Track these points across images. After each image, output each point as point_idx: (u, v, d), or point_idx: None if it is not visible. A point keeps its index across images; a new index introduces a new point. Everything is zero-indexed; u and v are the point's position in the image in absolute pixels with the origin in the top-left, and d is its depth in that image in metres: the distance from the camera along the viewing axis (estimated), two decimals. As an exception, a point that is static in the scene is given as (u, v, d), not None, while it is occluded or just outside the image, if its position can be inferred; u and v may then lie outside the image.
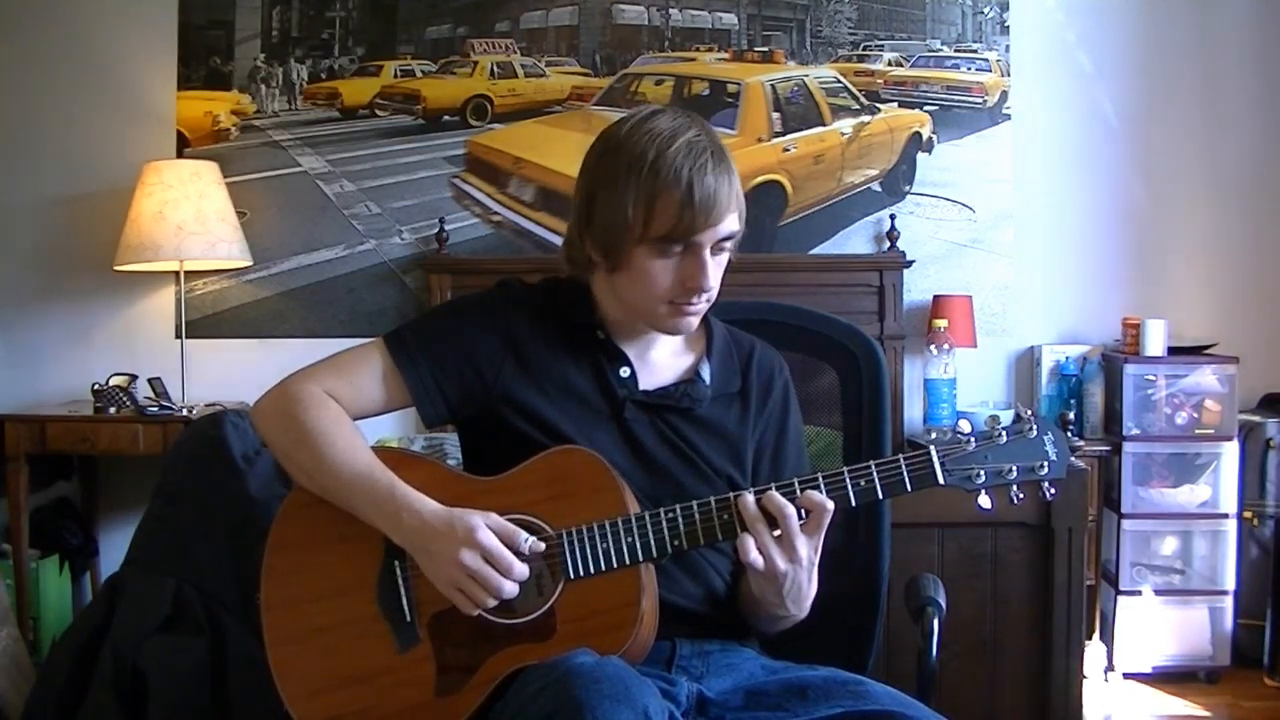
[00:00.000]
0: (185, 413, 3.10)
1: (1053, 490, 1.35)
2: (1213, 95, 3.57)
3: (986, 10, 3.61)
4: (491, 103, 3.59)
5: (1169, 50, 3.57)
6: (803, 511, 1.29)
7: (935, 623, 1.55)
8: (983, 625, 2.65)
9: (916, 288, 3.51)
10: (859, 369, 1.67)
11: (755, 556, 1.28)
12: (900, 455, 1.32)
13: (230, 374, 3.40)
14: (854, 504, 1.31)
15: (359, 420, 1.44)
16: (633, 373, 1.45)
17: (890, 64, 3.61)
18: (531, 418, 1.40)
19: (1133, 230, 3.59)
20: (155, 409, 3.11)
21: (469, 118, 3.58)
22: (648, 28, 3.60)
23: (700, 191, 1.33)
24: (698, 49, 3.59)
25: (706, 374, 1.48)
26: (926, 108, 3.60)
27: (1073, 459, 1.37)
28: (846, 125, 3.57)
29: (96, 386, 3.12)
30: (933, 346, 3.26)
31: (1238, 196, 3.58)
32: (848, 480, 1.31)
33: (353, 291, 3.52)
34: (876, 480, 1.31)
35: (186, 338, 3.31)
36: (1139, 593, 3.20)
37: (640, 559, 1.30)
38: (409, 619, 1.34)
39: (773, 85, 3.55)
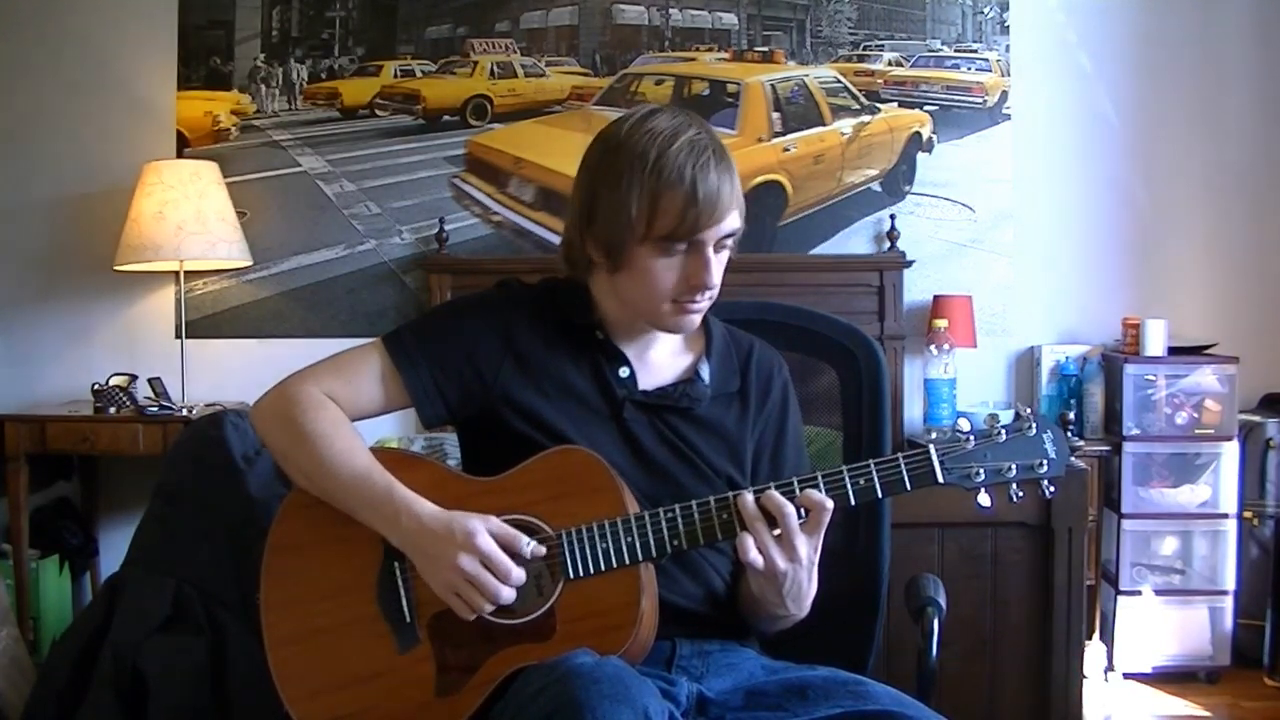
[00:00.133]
0: (185, 413, 3.10)
1: (1052, 489, 1.35)
2: (1213, 95, 3.57)
3: (986, 10, 3.61)
4: (491, 103, 3.59)
5: (1169, 50, 3.57)
6: (802, 510, 1.29)
7: (935, 623, 1.55)
8: (983, 625, 2.65)
9: (916, 288, 3.51)
10: (859, 369, 1.67)
11: (755, 556, 1.28)
12: (899, 454, 1.32)
13: (230, 374, 3.40)
14: (853, 503, 1.31)
15: (358, 421, 1.44)
16: (632, 373, 1.45)
17: (890, 64, 3.61)
18: (531, 418, 1.40)
19: (1133, 230, 3.59)
20: (155, 409, 3.11)
21: (469, 118, 3.58)
22: (648, 28, 3.60)
23: (704, 190, 1.34)
24: (698, 49, 3.59)
25: (705, 374, 1.48)
26: (926, 108, 3.60)
27: (1073, 459, 1.36)
28: (846, 125, 3.57)
29: (96, 386, 3.12)
30: (933, 346, 3.26)
31: (1238, 196, 3.58)
32: (847, 479, 1.31)
33: (353, 291, 3.52)
34: (876, 479, 1.31)
35: (186, 338, 3.31)
36: (1139, 593, 3.20)
37: (640, 559, 1.30)
38: (409, 619, 1.34)
39: (773, 85, 3.55)
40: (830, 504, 1.29)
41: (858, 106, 3.58)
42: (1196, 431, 3.24)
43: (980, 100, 3.60)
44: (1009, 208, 3.58)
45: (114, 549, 3.31)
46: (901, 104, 3.60)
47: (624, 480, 1.35)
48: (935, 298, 3.44)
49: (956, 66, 3.61)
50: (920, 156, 3.59)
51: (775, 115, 3.53)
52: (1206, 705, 3.02)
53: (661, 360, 1.49)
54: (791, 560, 1.29)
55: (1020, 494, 1.34)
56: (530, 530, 1.32)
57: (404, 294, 3.52)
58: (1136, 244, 3.58)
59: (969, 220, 3.58)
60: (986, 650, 2.66)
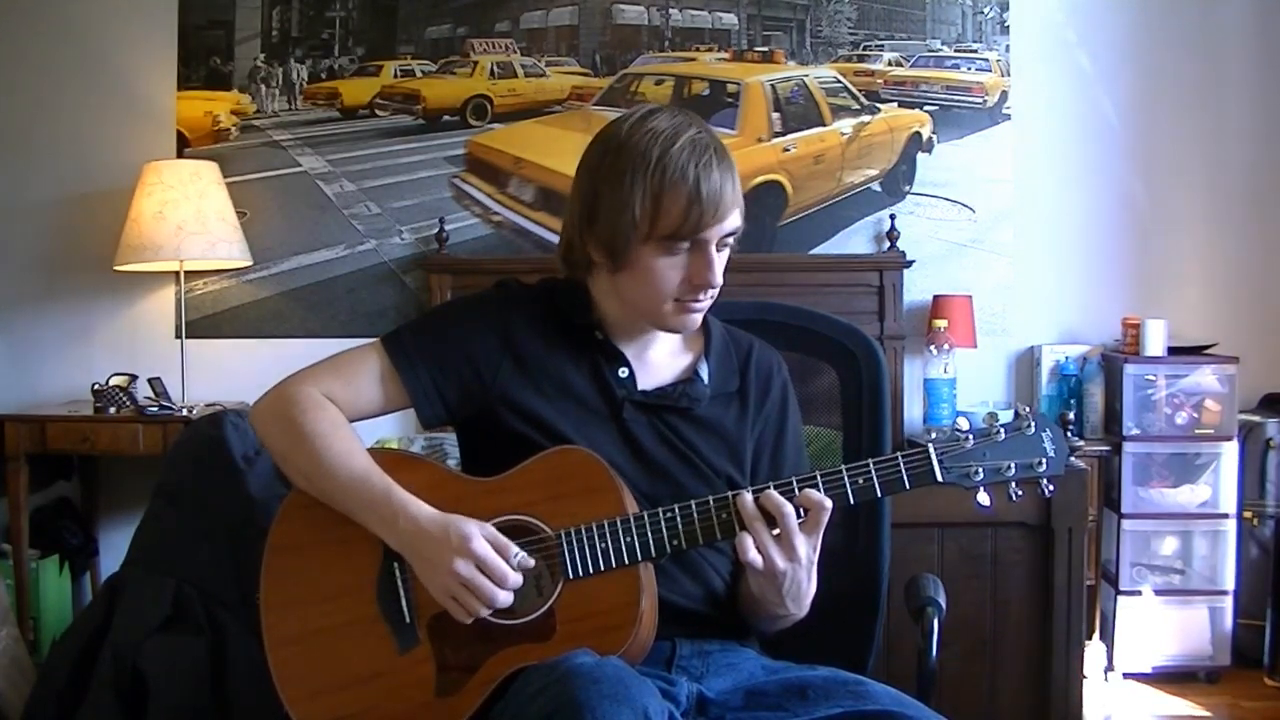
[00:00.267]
0: (185, 413, 3.10)
1: (1051, 487, 1.35)
2: (1213, 95, 3.57)
3: (986, 10, 3.61)
4: (491, 103, 3.59)
5: (1169, 50, 3.57)
6: (801, 510, 1.29)
7: (935, 623, 1.55)
8: (983, 625, 2.65)
9: (916, 288, 3.51)
10: (859, 369, 1.67)
11: (754, 555, 1.28)
12: (898, 453, 1.32)
13: (230, 374, 3.40)
14: (852, 502, 1.31)
15: (358, 422, 1.44)
16: (631, 373, 1.45)
17: (890, 64, 3.61)
18: (530, 418, 1.40)
19: (1133, 230, 3.59)
20: (155, 409, 3.11)
21: (469, 118, 3.58)
22: (648, 28, 3.60)
23: (707, 188, 1.34)
24: (698, 49, 3.59)
25: (705, 373, 1.48)
26: (926, 108, 3.60)
27: (1073, 459, 1.36)
28: (846, 125, 3.57)
29: (96, 386, 3.12)
30: (933, 346, 3.25)
31: (1238, 196, 3.58)
32: (846, 479, 1.31)
33: (353, 291, 3.52)
34: (875, 478, 1.31)
35: (186, 338, 3.31)
36: (1139, 593, 3.19)
37: (639, 559, 1.30)
38: (408, 620, 1.34)
39: (773, 85, 3.55)
40: (829, 503, 1.29)
41: (858, 106, 3.58)
42: (1196, 431, 3.24)
43: (980, 100, 3.60)
44: (1009, 208, 3.58)
45: (114, 549, 3.31)
46: (901, 104, 3.60)
47: (623, 480, 1.35)
48: (935, 298, 3.44)
49: (956, 66, 3.61)
50: (920, 156, 3.58)
51: (775, 115, 3.53)
52: (1206, 705, 3.02)
53: (661, 360, 1.49)
54: (791, 560, 1.29)
55: (1019, 493, 1.34)
56: (530, 531, 1.32)
57: (404, 294, 3.52)
58: (1136, 244, 3.58)
59: (969, 220, 3.58)
60: (986, 650, 2.66)
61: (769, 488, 1.30)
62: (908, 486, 1.32)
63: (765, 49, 3.59)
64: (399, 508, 1.32)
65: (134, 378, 3.25)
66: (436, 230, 3.45)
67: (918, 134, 3.59)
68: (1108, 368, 3.37)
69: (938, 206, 3.58)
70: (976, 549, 2.64)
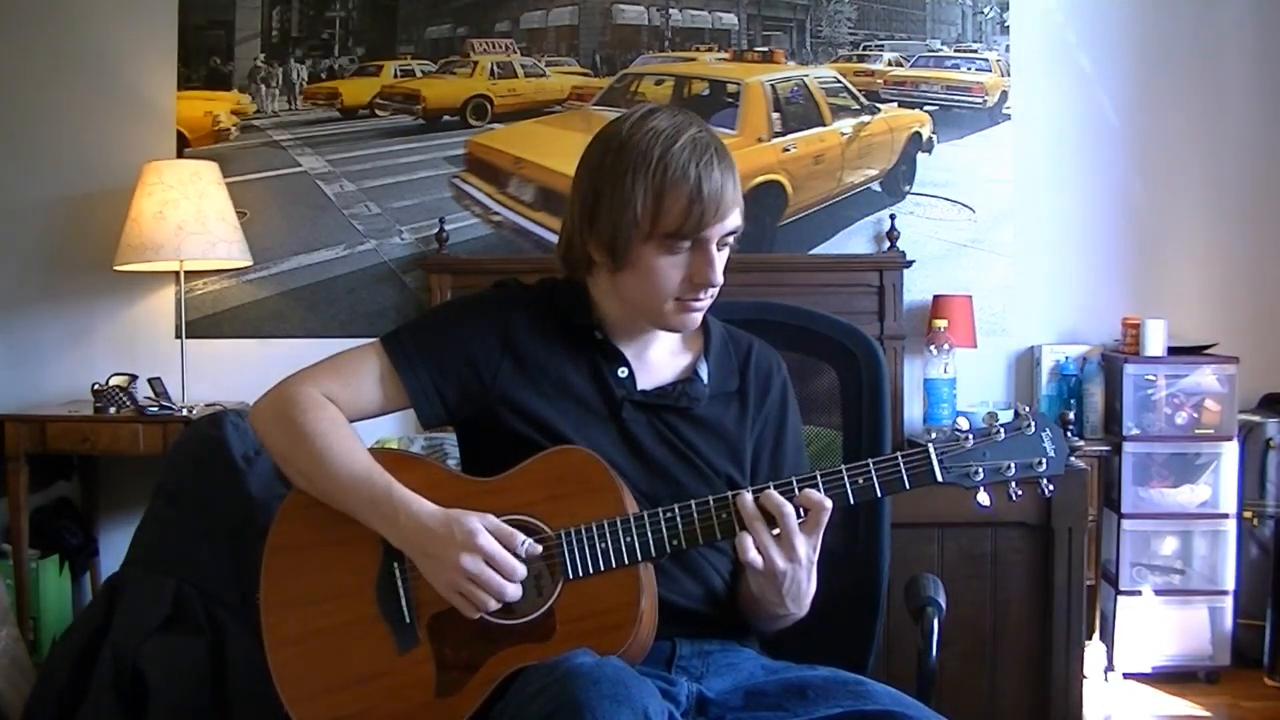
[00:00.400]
0: (185, 413, 3.10)
1: (1051, 487, 1.35)
2: (1213, 95, 3.57)
3: (986, 10, 3.61)
4: (491, 103, 3.59)
5: (1169, 50, 3.57)
6: (801, 510, 1.29)
7: (935, 623, 1.55)
8: (983, 625, 2.65)
9: (916, 288, 3.51)
10: (859, 369, 1.67)
11: (754, 555, 1.28)
12: (898, 453, 1.32)
13: (230, 374, 3.40)
14: (852, 502, 1.31)
15: (357, 422, 1.44)
16: (630, 373, 1.45)
17: (890, 64, 3.61)
18: (529, 418, 1.40)
19: (1133, 230, 3.59)
20: (155, 409, 3.11)
21: (469, 118, 3.58)
22: (648, 28, 3.60)
23: (708, 187, 1.34)
24: (698, 49, 3.59)
25: (704, 373, 1.48)
26: (926, 108, 3.60)
27: (1072, 459, 1.36)
28: (846, 125, 3.57)
29: (96, 386, 3.12)
30: (933, 346, 3.25)
31: (1238, 196, 3.58)
32: (846, 478, 1.31)
33: (353, 291, 3.52)
34: (875, 478, 1.31)
35: (186, 338, 3.31)
36: (1139, 593, 3.19)
37: (639, 559, 1.30)
38: (408, 620, 1.34)
39: (773, 85, 3.55)
40: (829, 503, 1.29)
41: (858, 106, 3.58)
42: (1196, 431, 3.24)
43: (980, 100, 3.60)
44: (1009, 208, 3.58)
45: (114, 549, 3.31)
46: (901, 104, 3.60)
47: (623, 480, 1.35)
48: (935, 298, 3.44)
49: (956, 66, 3.61)
50: (920, 156, 3.58)
51: (775, 115, 3.53)
52: (1206, 705, 3.02)
53: (660, 360, 1.49)
54: (791, 560, 1.29)
55: (1019, 492, 1.34)
56: (530, 530, 1.32)
57: (404, 294, 3.52)
58: (1136, 244, 3.58)
59: (969, 220, 3.58)
60: (986, 650, 2.66)
61: (769, 487, 1.30)
62: (908, 486, 1.32)
63: (765, 49, 3.59)
64: (400, 505, 1.32)
65: (134, 378, 3.25)
66: (436, 230, 3.45)
67: (918, 134, 3.59)
68: (1108, 368, 3.37)
69: (938, 206, 3.58)
70: (976, 549, 2.64)
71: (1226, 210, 3.58)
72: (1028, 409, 1.36)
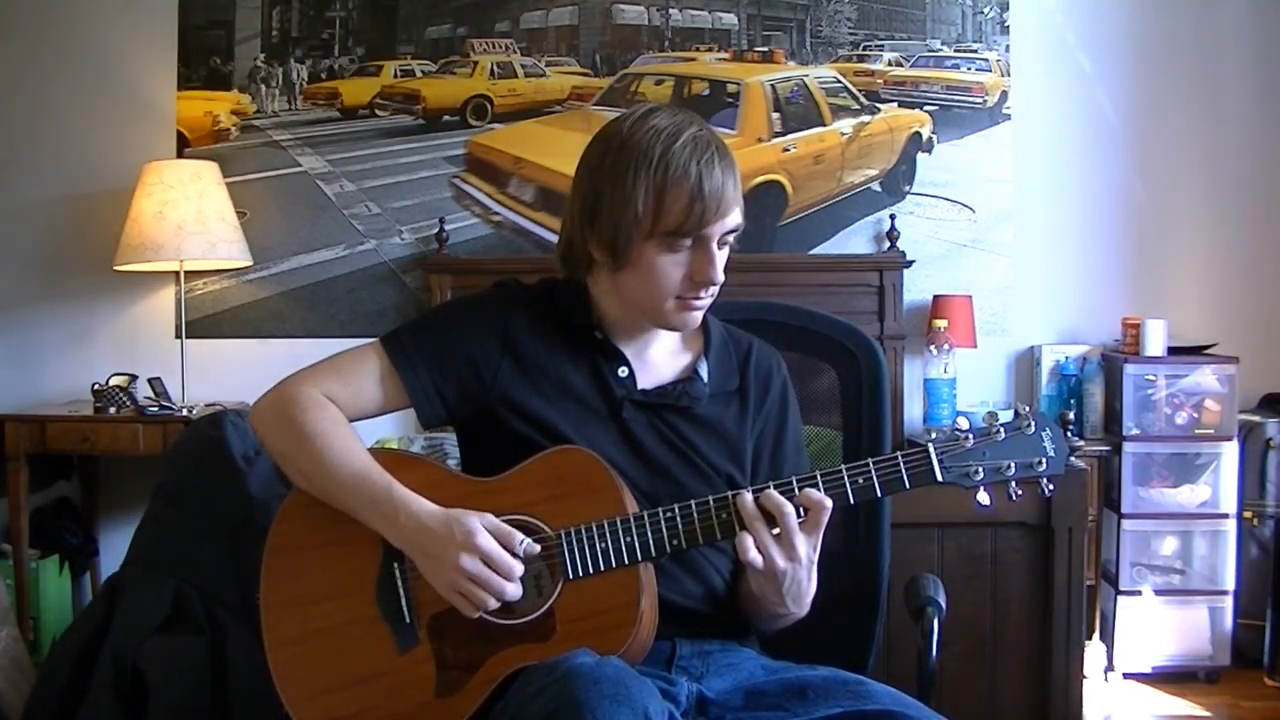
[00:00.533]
0: (185, 413, 3.10)
1: (1051, 487, 1.35)
2: (1213, 95, 3.57)
3: (986, 10, 3.61)
4: (491, 103, 3.59)
5: (1169, 50, 3.57)
6: (801, 510, 1.29)
7: (935, 623, 1.56)
8: (983, 625, 2.65)
9: (916, 288, 3.51)
10: (859, 369, 1.67)
11: (754, 555, 1.28)
12: (898, 453, 1.32)
13: (230, 374, 3.40)
14: (852, 502, 1.31)
15: (357, 421, 1.44)
16: (631, 372, 1.45)
17: (890, 64, 3.61)
18: (529, 418, 1.40)
19: (1133, 230, 3.59)
20: (155, 409, 3.11)
21: (469, 118, 3.58)
22: (648, 28, 3.60)
23: (709, 185, 1.34)
24: (698, 49, 3.59)
25: (704, 372, 1.48)
26: (926, 108, 3.60)
27: (1072, 459, 1.36)
28: (846, 125, 3.57)
29: (96, 386, 3.12)
30: (933, 346, 3.26)
31: (1238, 196, 3.58)
32: (846, 478, 1.31)
33: (353, 291, 3.52)
34: (875, 478, 1.31)
35: (186, 338, 3.31)
36: (1139, 593, 3.19)
37: (639, 559, 1.30)
38: (408, 620, 1.34)
39: (773, 85, 3.55)
40: (829, 503, 1.29)
41: (858, 106, 3.58)
42: (1196, 431, 3.24)
43: (980, 100, 3.60)
44: (1009, 208, 3.58)
45: (114, 549, 3.31)
46: (901, 104, 3.60)
47: (624, 480, 1.35)
48: (935, 298, 3.44)
49: (956, 66, 3.61)
50: (920, 156, 3.58)
51: (775, 115, 3.53)
52: (1206, 705, 3.02)
53: (660, 359, 1.49)
54: (791, 559, 1.29)
55: (1019, 492, 1.34)
56: (530, 530, 1.32)
57: (404, 294, 3.52)
58: (1136, 244, 3.58)
59: (969, 220, 3.58)
60: (986, 650, 2.66)
61: (769, 487, 1.30)
62: (908, 486, 1.32)
63: (765, 49, 3.59)
64: (400, 505, 1.32)
65: (134, 378, 3.25)
66: (436, 230, 3.44)
67: (918, 134, 3.59)
68: (1108, 368, 3.37)
69: (938, 206, 3.58)
70: (976, 549, 2.64)
71: (1226, 210, 3.58)
72: (1028, 409, 1.36)
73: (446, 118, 3.58)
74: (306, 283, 3.52)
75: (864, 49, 3.61)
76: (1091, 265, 3.58)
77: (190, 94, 3.53)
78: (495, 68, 3.59)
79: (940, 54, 3.62)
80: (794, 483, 1.31)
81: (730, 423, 1.47)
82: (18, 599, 2.99)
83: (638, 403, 1.44)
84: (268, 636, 1.38)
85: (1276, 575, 3.16)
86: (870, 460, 1.32)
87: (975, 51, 3.61)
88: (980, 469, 1.32)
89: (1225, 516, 3.20)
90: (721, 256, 1.40)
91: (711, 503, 1.32)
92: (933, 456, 1.31)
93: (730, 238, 1.41)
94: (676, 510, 1.31)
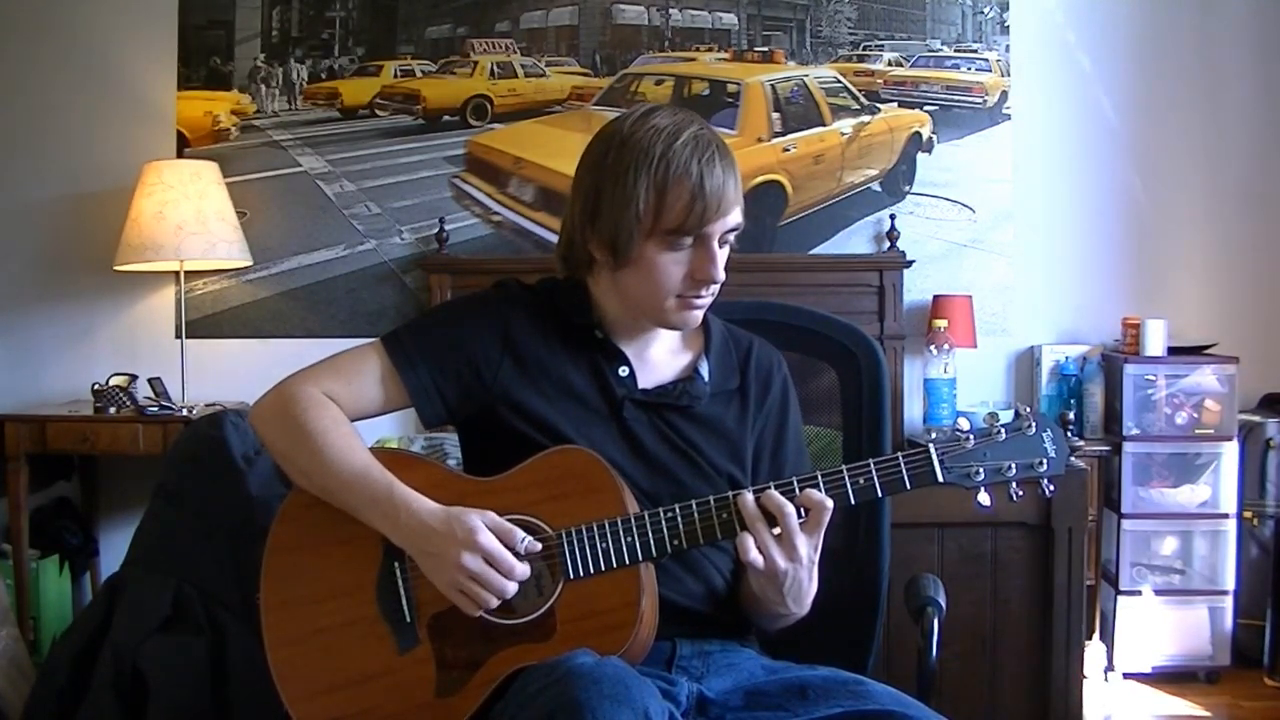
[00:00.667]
0: (185, 413, 3.10)
1: (1051, 488, 1.35)
2: (1213, 95, 3.57)
3: (986, 10, 3.61)
4: (491, 103, 3.59)
5: (1169, 50, 3.57)
6: (802, 510, 1.29)
7: (935, 623, 1.55)
8: (983, 625, 2.65)
9: (916, 288, 3.51)
10: (859, 369, 1.67)
11: (755, 555, 1.28)
12: (899, 453, 1.32)
13: (230, 374, 3.40)
14: (853, 502, 1.31)
15: (358, 421, 1.44)
16: (631, 372, 1.45)
17: (890, 64, 3.61)
18: (530, 418, 1.40)
19: (1133, 230, 3.59)
20: (155, 409, 3.11)
21: (469, 118, 3.58)
22: (648, 28, 3.60)
23: (710, 183, 1.35)
24: (698, 49, 3.59)
25: (705, 371, 1.48)
26: (926, 108, 3.60)
27: (1072, 459, 1.36)
28: (846, 125, 3.57)
29: (96, 386, 3.12)
30: (933, 346, 3.26)
31: (1238, 196, 3.58)
32: (846, 479, 1.31)
33: (353, 291, 3.52)
34: (875, 478, 1.31)
35: (186, 338, 3.31)
36: (1139, 593, 3.19)
37: (640, 559, 1.30)
38: (409, 620, 1.34)
39: (773, 85, 3.55)
40: (830, 503, 1.29)
41: (858, 106, 3.58)
42: (1196, 431, 3.24)
43: (980, 100, 3.60)
44: (1009, 208, 3.58)
45: (114, 549, 3.31)
46: (901, 104, 3.60)
47: (624, 479, 1.35)
48: (935, 298, 3.44)
49: (956, 66, 3.61)
50: (920, 156, 3.59)
51: (775, 115, 3.53)
52: (1206, 705, 3.02)
53: (661, 359, 1.49)
54: (792, 560, 1.29)
55: (1020, 493, 1.34)
56: (530, 530, 1.32)
57: (404, 294, 3.52)
58: (1136, 244, 3.58)
59: (969, 220, 3.58)
60: (986, 650, 2.66)
61: (770, 487, 1.30)
62: (909, 487, 1.32)
63: (765, 49, 3.59)
64: (401, 503, 1.32)
65: (134, 378, 3.25)
66: (436, 230, 3.45)
67: (918, 134, 3.59)
68: (1108, 368, 3.37)
69: (938, 206, 3.58)
70: (976, 549, 2.64)
71: (1226, 210, 3.58)
72: (1028, 409, 1.36)
73: (446, 118, 3.58)
74: (306, 283, 3.52)
75: (864, 49, 3.61)
76: (1091, 265, 3.58)
77: (190, 94, 3.53)
78: (495, 68, 3.59)
79: (940, 54, 3.62)
80: (795, 483, 1.31)
81: (731, 422, 1.47)
82: (18, 599, 2.99)
83: (638, 402, 1.44)
84: (268, 636, 1.38)
85: (1276, 575, 3.16)
86: (871, 460, 1.32)
87: (975, 51, 3.61)
88: (981, 470, 1.32)
89: (1225, 516, 3.20)
90: (722, 255, 1.40)
91: (712, 503, 1.32)
92: (934, 457, 1.31)
93: (731, 237, 1.41)
94: (677, 510, 1.31)
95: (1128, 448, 3.22)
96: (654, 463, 1.42)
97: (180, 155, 3.48)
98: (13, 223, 3.47)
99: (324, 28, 3.60)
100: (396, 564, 1.35)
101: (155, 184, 3.19)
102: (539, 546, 1.30)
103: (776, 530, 1.29)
